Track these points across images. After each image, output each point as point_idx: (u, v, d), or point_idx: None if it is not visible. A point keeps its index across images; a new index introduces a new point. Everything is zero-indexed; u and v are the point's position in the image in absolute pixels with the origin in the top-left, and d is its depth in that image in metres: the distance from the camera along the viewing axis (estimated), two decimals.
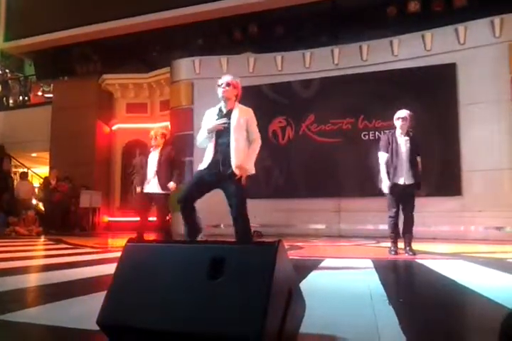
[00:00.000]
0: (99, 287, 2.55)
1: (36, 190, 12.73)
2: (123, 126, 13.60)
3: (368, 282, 2.99)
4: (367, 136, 9.72)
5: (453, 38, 9.21)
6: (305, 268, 3.72)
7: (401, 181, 5.04)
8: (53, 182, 12.01)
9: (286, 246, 1.54)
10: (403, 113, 5.19)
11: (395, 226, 5.15)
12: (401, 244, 5.26)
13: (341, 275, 3.56)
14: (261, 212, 8.55)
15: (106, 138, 13.81)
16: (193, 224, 3.67)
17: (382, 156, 5.16)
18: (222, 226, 9.28)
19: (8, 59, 17.14)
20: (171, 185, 5.56)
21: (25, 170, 13.97)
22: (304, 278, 3.08)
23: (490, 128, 8.63)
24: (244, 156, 3.58)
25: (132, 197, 6.20)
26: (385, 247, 6.34)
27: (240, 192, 3.57)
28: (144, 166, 5.76)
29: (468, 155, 8.81)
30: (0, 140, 14.27)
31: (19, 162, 14.48)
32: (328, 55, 10.30)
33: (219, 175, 3.57)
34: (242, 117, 3.65)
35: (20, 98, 16.03)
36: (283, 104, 10.48)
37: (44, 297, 2.56)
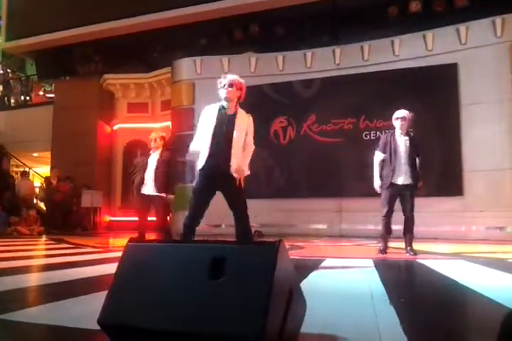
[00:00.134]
0: (100, 287, 2.55)
1: (37, 190, 12.75)
2: (124, 126, 13.62)
3: (368, 282, 2.99)
4: (368, 136, 9.71)
5: (454, 38, 9.20)
6: (306, 268, 3.72)
7: (399, 181, 5.05)
8: (54, 182, 12.03)
9: (287, 246, 1.54)
10: (402, 113, 5.19)
11: (386, 225, 5.17)
12: (402, 244, 5.27)
13: (342, 275, 3.56)
14: (262, 212, 8.55)
15: (107, 137, 13.82)
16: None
17: (378, 156, 5.22)
18: (223, 226, 9.28)
19: (9, 59, 17.20)
20: (170, 198, 5.65)
21: (27, 169, 14.00)
22: (305, 278, 3.08)
23: (491, 128, 8.62)
24: (241, 159, 3.60)
25: (133, 197, 6.18)
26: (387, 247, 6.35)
27: (241, 193, 3.62)
28: (144, 167, 5.78)
29: (469, 155, 8.80)
30: (1, 139, 14.28)
31: (21, 162, 14.50)
32: (329, 55, 10.30)
33: (217, 179, 3.57)
34: (244, 123, 3.65)
35: (22, 98, 16.06)
36: (284, 103, 10.48)
37: (45, 296, 2.57)
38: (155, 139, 5.84)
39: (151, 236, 6.19)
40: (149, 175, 5.67)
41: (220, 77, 3.68)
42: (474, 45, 9.00)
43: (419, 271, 4.13)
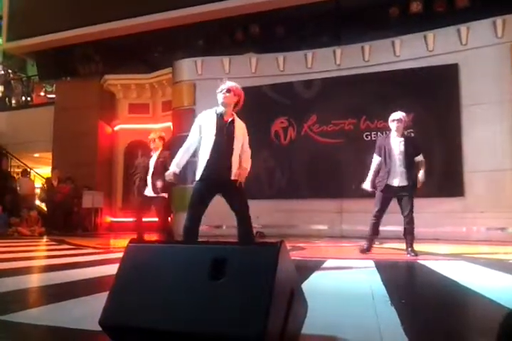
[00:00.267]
0: (101, 287, 2.56)
1: (38, 191, 12.75)
2: (125, 127, 13.62)
3: (370, 283, 2.99)
4: (369, 137, 9.70)
5: (455, 39, 9.19)
6: (307, 268, 3.73)
7: (395, 183, 5.06)
8: (55, 183, 12.04)
9: (288, 247, 1.54)
10: (398, 115, 5.21)
11: (374, 226, 5.19)
12: (403, 245, 5.26)
13: (343, 275, 3.56)
14: (263, 213, 8.53)
15: (108, 138, 13.83)
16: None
17: (375, 159, 5.32)
18: (224, 227, 9.28)
19: (10, 59, 17.22)
20: (158, 184, 5.54)
21: (28, 170, 14.01)
22: (306, 278, 3.08)
23: (492, 128, 8.61)
24: (242, 165, 3.68)
25: (134, 198, 6.19)
26: (388, 248, 6.36)
27: (242, 194, 3.68)
28: (146, 168, 5.78)
29: (470, 155, 8.78)
30: (2, 140, 14.30)
31: (22, 162, 14.50)
32: (330, 56, 10.29)
33: (218, 183, 3.60)
34: (241, 130, 3.74)
35: (23, 98, 16.08)
36: (285, 104, 10.47)
37: (46, 297, 2.57)
38: (154, 140, 5.85)
39: (152, 236, 6.20)
40: (149, 176, 5.67)
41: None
42: (475, 45, 8.99)
43: (420, 271, 4.13)
